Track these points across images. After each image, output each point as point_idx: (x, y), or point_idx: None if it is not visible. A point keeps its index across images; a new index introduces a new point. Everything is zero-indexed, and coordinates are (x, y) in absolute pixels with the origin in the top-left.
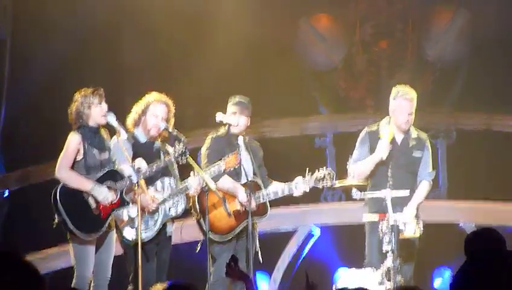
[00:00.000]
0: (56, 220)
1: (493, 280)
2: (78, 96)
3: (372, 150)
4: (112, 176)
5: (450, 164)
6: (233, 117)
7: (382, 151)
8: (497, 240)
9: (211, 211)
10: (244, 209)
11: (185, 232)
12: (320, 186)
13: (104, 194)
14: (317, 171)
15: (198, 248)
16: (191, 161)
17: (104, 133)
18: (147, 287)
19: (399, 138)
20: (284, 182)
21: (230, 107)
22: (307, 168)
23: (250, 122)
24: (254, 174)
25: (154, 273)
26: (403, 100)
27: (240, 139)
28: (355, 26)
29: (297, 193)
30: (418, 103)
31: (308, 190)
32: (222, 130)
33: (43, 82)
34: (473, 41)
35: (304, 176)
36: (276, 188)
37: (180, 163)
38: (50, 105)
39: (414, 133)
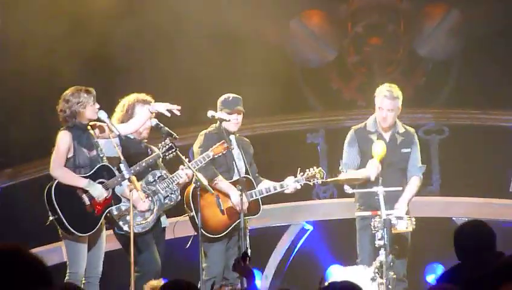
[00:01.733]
0: (51, 218)
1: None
2: (70, 96)
3: (361, 151)
4: (103, 173)
5: (443, 160)
6: (225, 114)
7: (371, 171)
8: (486, 234)
9: (206, 209)
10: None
11: (177, 228)
12: (311, 183)
13: (99, 191)
14: (307, 170)
15: (188, 244)
16: (179, 155)
17: (91, 131)
18: (149, 275)
19: (386, 136)
20: (275, 180)
21: (222, 105)
22: (299, 168)
23: (242, 119)
24: (246, 171)
25: (155, 262)
26: (382, 97)
27: (232, 136)
28: (347, 22)
29: (288, 191)
30: (410, 99)
31: (299, 187)
32: (214, 127)
33: (32, 80)
34: (465, 38)
35: (295, 176)
36: (268, 185)
37: (168, 158)
38: (38, 104)
39: (401, 128)
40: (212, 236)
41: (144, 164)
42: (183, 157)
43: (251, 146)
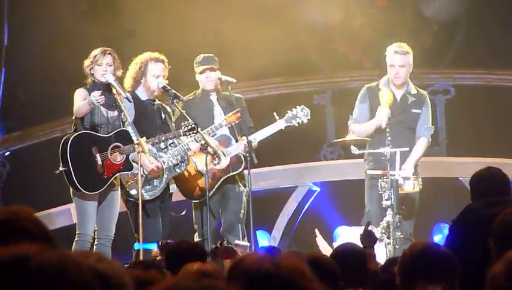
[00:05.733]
0: (60, 168)
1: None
2: (92, 53)
3: (371, 108)
4: (121, 137)
5: (449, 120)
6: (202, 75)
7: (381, 118)
8: (502, 177)
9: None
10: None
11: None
12: (295, 123)
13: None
14: (288, 111)
15: (184, 211)
16: (200, 134)
17: (114, 91)
18: (150, 241)
19: (398, 95)
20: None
21: (195, 65)
22: (275, 113)
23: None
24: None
25: (159, 229)
26: (393, 53)
27: (214, 95)
28: None
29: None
30: (416, 60)
31: (283, 127)
32: (194, 92)
33: (43, 45)
34: None
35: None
36: (254, 136)
37: (188, 137)
38: (49, 68)
39: (413, 89)
40: (195, 201)
41: (162, 138)
42: (204, 135)
43: (242, 101)
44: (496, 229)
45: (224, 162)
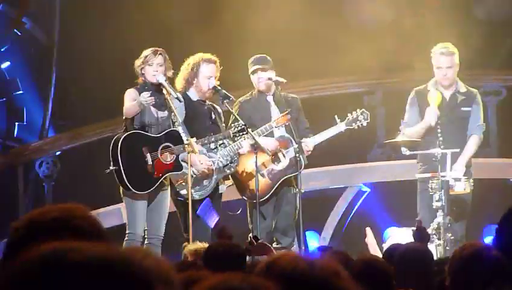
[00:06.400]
0: (111, 167)
1: None
2: (144, 53)
3: (421, 111)
4: (171, 137)
5: (500, 121)
6: (254, 76)
7: (430, 117)
8: None
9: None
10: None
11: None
12: (355, 126)
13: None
14: (349, 114)
15: (240, 210)
16: (250, 134)
17: (165, 92)
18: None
19: (447, 95)
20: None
21: (249, 67)
22: (335, 115)
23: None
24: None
25: (208, 229)
26: (439, 55)
27: (270, 96)
28: None
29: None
30: (467, 62)
31: (343, 130)
32: (250, 93)
33: (94, 44)
34: None
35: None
36: (314, 138)
37: (236, 139)
38: (100, 67)
39: (463, 88)
40: (254, 201)
41: (212, 139)
42: (254, 136)
43: (297, 101)
44: None
45: (284, 162)
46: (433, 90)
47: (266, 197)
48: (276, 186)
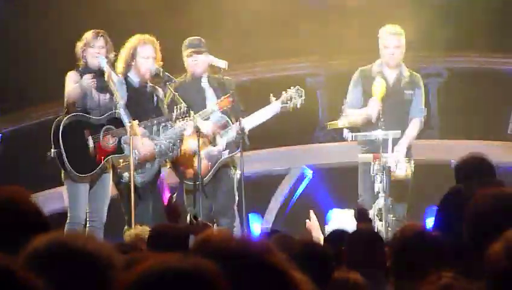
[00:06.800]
0: (52, 152)
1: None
2: (85, 36)
3: (364, 92)
4: (113, 120)
5: (442, 103)
6: (189, 59)
7: (373, 110)
8: (487, 164)
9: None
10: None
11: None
12: (291, 104)
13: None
14: (283, 92)
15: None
16: (192, 116)
17: (106, 74)
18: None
19: (391, 77)
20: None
21: (182, 50)
22: (271, 94)
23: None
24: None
25: (149, 212)
26: (387, 35)
27: (204, 77)
28: None
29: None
30: (410, 43)
31: (278, 109)
32: (183, 75)
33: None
34: None
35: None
36: (248, 119)
37: (181, 121)
38: (41, 49)
39: (406, 72)
40: (188, 183)
41: (155, 121)
42: (196, 118)
43: (231, 84)
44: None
45: (221, 145)
46: (378, 79)
47: (206, 179)
48: (215, 167)
